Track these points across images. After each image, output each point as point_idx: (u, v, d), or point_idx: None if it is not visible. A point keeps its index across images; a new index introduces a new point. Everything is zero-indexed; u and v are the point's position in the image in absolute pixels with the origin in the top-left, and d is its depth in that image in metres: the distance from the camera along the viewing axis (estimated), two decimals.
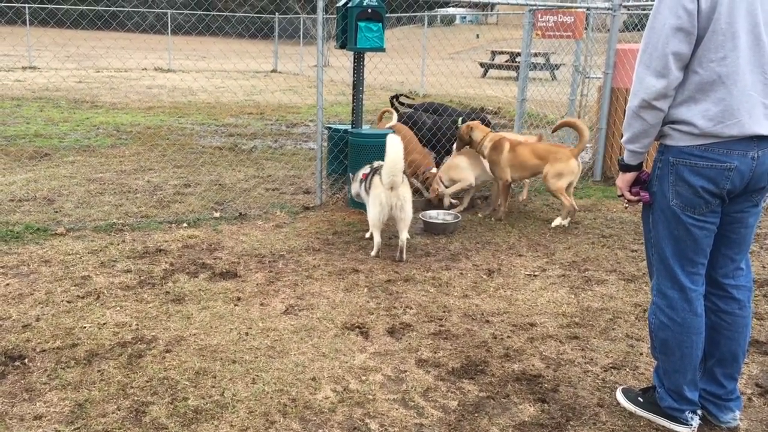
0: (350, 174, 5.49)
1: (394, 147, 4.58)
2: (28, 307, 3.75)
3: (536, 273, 4.61)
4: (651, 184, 2.65)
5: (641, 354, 3.46)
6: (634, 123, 2.52)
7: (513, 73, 20.83)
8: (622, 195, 2.73)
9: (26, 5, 20.33)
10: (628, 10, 8.94)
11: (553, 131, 6.14)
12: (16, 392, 2.90)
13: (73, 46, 12.45)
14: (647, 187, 2.67)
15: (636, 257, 4.96)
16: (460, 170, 5.97)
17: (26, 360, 3.17)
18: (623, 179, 2.69)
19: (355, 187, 5.29)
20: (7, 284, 4.04)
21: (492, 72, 23.21)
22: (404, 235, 4.78)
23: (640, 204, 2.72)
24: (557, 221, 5.70)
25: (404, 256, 4.77)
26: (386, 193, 4.66)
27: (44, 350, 3.26)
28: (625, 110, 2.57)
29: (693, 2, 2.33)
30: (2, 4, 18.21)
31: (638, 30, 8.41)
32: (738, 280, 2.70)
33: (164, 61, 22.56)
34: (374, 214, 4.72)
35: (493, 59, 24.27)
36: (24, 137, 8.82)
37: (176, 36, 23.93)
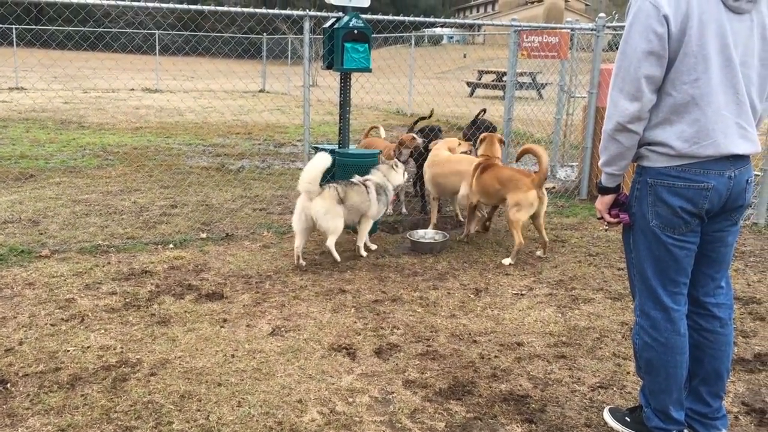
0: None
1: (316, 157, 4.86)
2: (11, 330, 3.71)
3: (523, 292, 4.62)
4: (630, 206, 2.67)
5: (628, 373, 3.46)
6: (610, 146, 2.55)
7: (500, 92, 21.00)
8: (602, 217, 2.75)
9: (13, 26, 20.32)
10: (613, 30, 9.06)
11: (516, 160, 5.90)
12: None
13: (59, 67, 12.39)
14: (626, 208, 2.70)
15: (622, 276, 4.98)
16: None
17: (8, 384, 3.13)
18: (602, 201, 2.72)
19: None
20: None
21: (479, 91, 23.40)
22: (329, 242, 5.03)
23: (621, 225, 2.75)
24: (507, 260, 5.28)
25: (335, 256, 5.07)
26: (302, 201, 4.90)
27: (27, 374, 3.23)
28: None
29: (663, 26, 2.36)
30: None
31: None
32: (719, 299, 2.72)
33: (151, 82, 22.58)
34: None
35: (480, 78, 24.48)
36: (9, 158, 8.77)
37: (163, 56, 23.95)
